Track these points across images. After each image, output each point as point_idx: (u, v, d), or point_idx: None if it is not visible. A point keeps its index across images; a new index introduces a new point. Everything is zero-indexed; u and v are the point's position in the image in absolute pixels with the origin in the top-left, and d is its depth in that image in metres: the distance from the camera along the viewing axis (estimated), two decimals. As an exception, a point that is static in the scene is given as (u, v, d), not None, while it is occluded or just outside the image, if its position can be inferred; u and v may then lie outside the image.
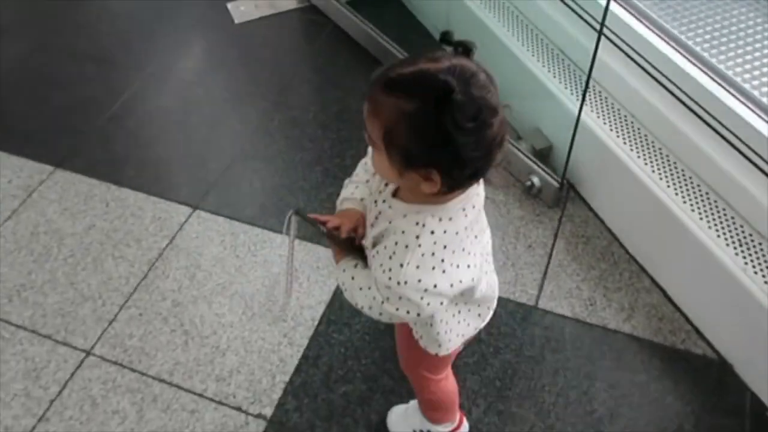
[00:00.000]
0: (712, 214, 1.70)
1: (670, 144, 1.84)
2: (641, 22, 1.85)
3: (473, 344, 1.73)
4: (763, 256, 1.60)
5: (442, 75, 0.85)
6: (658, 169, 1.81)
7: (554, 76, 2.08)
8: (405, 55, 2.50)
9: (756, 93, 1.66)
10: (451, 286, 1.01)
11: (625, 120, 1.93)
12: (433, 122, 0.84)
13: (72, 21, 2.84)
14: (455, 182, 0.92)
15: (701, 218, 1.69)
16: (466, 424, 1.57)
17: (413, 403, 1.56)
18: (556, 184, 2.00)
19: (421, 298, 1.00)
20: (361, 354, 1.74)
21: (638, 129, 1.91)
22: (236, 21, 2.78)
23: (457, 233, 0.98)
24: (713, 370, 1.70)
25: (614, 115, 1.95)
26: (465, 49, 0.90)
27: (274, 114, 2.39)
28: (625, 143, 1.88)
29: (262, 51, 2.68)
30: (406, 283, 0.98)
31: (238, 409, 1.64)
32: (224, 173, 2.19)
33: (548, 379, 1.68)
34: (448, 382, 1.42)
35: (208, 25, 2.80)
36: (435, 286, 0.99)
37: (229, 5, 2.85)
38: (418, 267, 0.97)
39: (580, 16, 1.77)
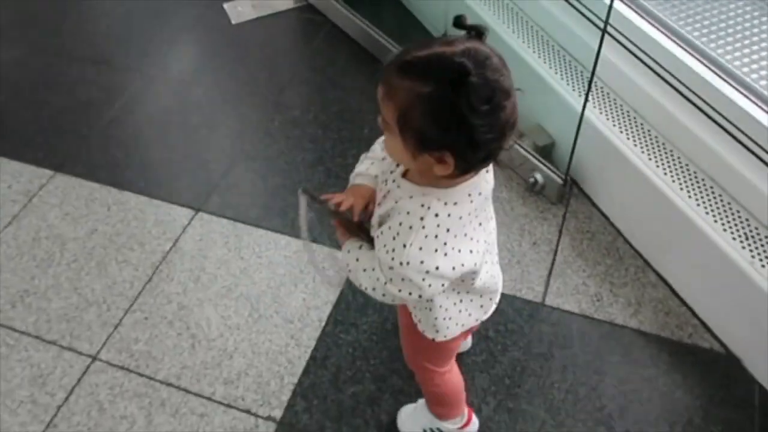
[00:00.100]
0: (718, 207, 1.70)
1: (673, 138, 1.84)
2: (643, 17, 1.85)
3: (473, 333, 1.73)
4: (770, 249, 1.61)
5: (457, 58, 0.86)
6: (663, 163, 1.81)
7: (555, 72, 2.08)
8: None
9: (760, 87, 1.65)
10: (453, 269, 1.02)
11: (628, 115, 1.94)
12: (448, 105, 0.85)
13: (68, 23, 2.82)
14: (468, 164, 0.94)
15: (707, 212, 1.70)
16: (475, 421, 1.57)
17: (421, 402, 1.56)
18: (559, 181, 2.00)
19: (423, 280, 1.00)
20: (369, 354, 1.73)
21: (641, 124, 1.91)
22: (233, 21, 2.77)
23: (460, 218, 0.99)
24: (721, 364, 1.70)
25: (617, 111, 1.95)
26: (478, 32, 0.91)
27: (274, 114, 2.38)
28: (628, 138, 1.88)
29: (260, 51, 2.67)
30: (408, 263, 0.99)
31: (248, 411, 1.64)
32: (226, 175, 2.18)
33: (557, 376, 1.68)
34: (452, 375, 1.42)
35: (206, 26, 2.79)
36: (437, 268, 0.99)
37: (226, 6, 2.84)
38: (420, 248, 0.98)
39: (584, 15, 1.77)
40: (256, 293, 1.86)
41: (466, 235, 1.02)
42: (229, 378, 1.70)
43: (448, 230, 0.99)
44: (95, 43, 2.72)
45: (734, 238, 1.64)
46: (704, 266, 1.73)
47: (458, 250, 1.01)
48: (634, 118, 1.93)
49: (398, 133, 0.92)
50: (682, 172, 1.79)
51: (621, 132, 1.90)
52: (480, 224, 1.05)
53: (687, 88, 1.67)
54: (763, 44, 1.80)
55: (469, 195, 1.00)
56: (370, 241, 1.12)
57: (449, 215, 0.98)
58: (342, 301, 1.84)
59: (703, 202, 1.72)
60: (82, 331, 1.80)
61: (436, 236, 0.98)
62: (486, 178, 1.04)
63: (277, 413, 1.63)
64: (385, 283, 1.04)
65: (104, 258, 1.96)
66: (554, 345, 1.74)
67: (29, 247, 1.99)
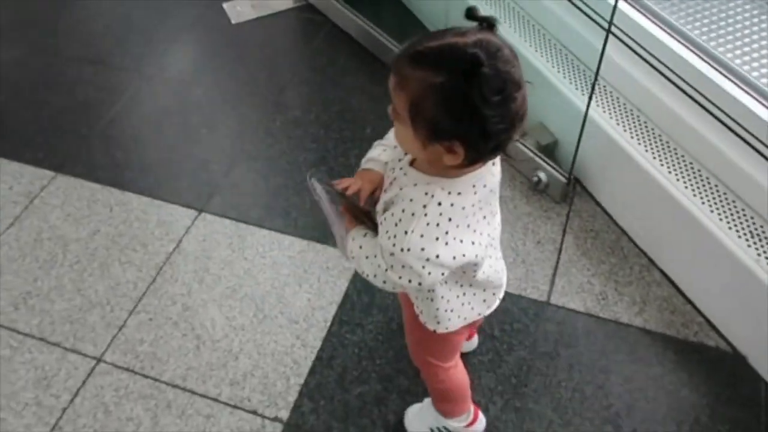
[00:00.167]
0: (723, 205, 1.70)
1: (677, 137, 1.84)
2: (646, 16, 1.85)
3: (478, 333, 1.73)
4: (775, 247, 1.61)
5: (470, 49, 0.87)
6: (667, 162, 1.81)
7: (558, 71, 2.08)
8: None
9: (763, 84, 1.66)
10: (454, 258, 1.02)
11: (631, 113, 1.94)
12: (460, 95, 0.86)
13: (67, 23, 2.81)
14: (478, 154, 0.94)
15: (711, 210, 1.70)
16: (482, 419, 1.57)
17: (427, 401, 1.56)
18: (563, 180, 2.00)
19: (423, 267, 1.01)
20: (375, 354, 1.73)
21: (645, 122, 1.91)
22: (233, 21, 2.76)
23: (463, 208, 1.00)
24: (727, 362, 1.70)
25: (620, 109, 1.95)
26: (489, 24, 0.92)
27: (276, 114, 2.37)
28: (632, 137, 1.88)
29: (260, 51, 2.66)
30: (409, 250, 0.99)
31: (254, 412, 1.63)
32: (228, 175, 2.18)
33: (564, 375, 1.68)
34: (457, 371, 1.42)
35: (205, 25, 2.78)
36: (437, 256, 1.00)
37: (225, 5, 2.83)
38: (422, 236, 0.99)
39: (588, 16, 1.77)
40: (261, 294, 1.86)
41: (468, 226, 1.03)
42: (235, 379, 1.69)
43: (450, 219, 0.99)
44: (94, 43, 2.70)
45: (739, 236, 1.65)
46: (709, 264, 1.73)
47: (460, 240, 1.02)
48: (638, 116, 1.93)
49: (409, 123, 0.93)
50: (687, 170, 1.79)
51: (624, 130, 1.90)
52: (484, 217, 1.06)
53: (690, 86, 1.67)
54: (765, 42, 1.80)
55: (474, 186, 1.01)
56: (376, 229, 1.12)
57: (452, 205, 0.99)
58: (347, 301, 1.83)
59: (708, 200, 1.72)
60: (86, 332, 1.79)
61: (438, 224, 0.99)
62: (492, 171, 1.05)
63: (284, 414, 1.63)
64: (386, 270, 1.05)
65: (107, 259, 1.95)
66: (560, 344, 1.74)
67: (31, 249, 1.98)
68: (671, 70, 1.70)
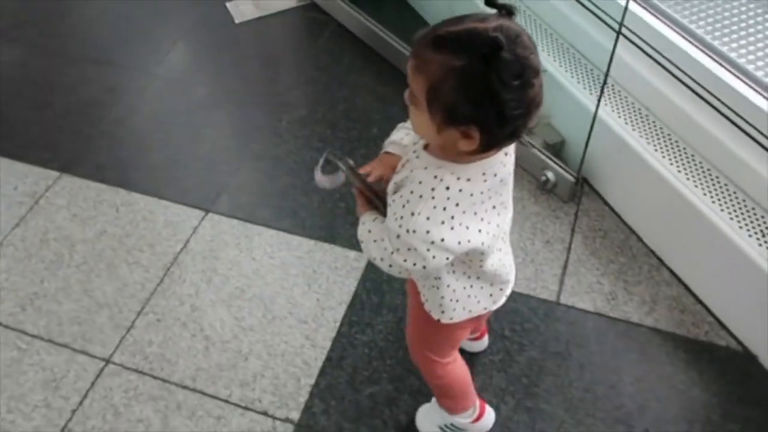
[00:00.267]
0: (733, 204, 1.70)
1: (686, 136, 1.84)
2: (656, 16, 1.85)
3: (489, 333, 1.73)
4: (787, 246, 1.61)
5: (491, 33, 0.87)
6: (676, 161, 1.81)
7: (565, 70, 2.08)
8: (410, 51, 2.49)
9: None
10: (459, 243, 1.03)
11: (639, 113, 1.94)
12: (480, 78, 0.87)
13: (69, 23, 2.80)
14: (493, 140, 0.95)
15: (722, 209, 1.70)
16: (489, 414, 1.56)
17: (434, 400, 1.56)
18: (571, 179, 1.99)
19: (428, 250, 1.02)
20: (386, 354, 1.72)
21: (653, 122, 1.91)
22: (237, 21, 2.75)
23: (471, 195, 1.01)
24: (738, 362, 1.70)
25: (628, 108, 1.95)
26: (509, 11, 0.93)
27: (282, 114, 2.36)
28: (641, 136, 1.88)
29: (264, 50, 2.65)
30: (414, 232, 1.00)
31: (265, 413, 1.63)
32: (234, 175, 2.17)
33: (575, 375, 1.68)
34: (455, 366, 1.42)
35: (209, 25, 2.77)
36: (442, 240, 1.01)
37: (229, 5, 2.82)
38: (428, 218, 0.99)
39: (599, 17, 1.77)
40: (270, 294, 1.85)
41: (476, 214, 1.03)
42: (245, 380, 1.68)
43: (457, 204, 1.00)
44: (97, 43, 2.69)
45: (750, 235, 1.65)
46: (720, 264, 1.73)
47: (466, 226, 1.02)
48: (646, 115, 1.93)
49: (426, 107, 0.94)
50: (697, 169, 1.79)
51: (633, 129, 1.90)
52: (494, 207, 1.06)
53: (700, 85, 1.67)
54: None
55: (483, 174, 1.01)
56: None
57: (460, 190, 0.99)
58: (356, 301, 1.83)
59: (718, 199, 1.72)
60: (94, 333, 1.78)
61: (445, 208, 0.99)
62: (503, 161, 1.04)
63: (295, 415, 1.62)
64: (392, 253, 1.05)
65: (114, 260, 1.94)
66: (571, 344, 1.74)
67: (37, 249, 1.97)
68: (681, 70, 1.70)
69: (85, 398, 1.66)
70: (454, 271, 1.16)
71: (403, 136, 1.20)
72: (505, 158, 1.05)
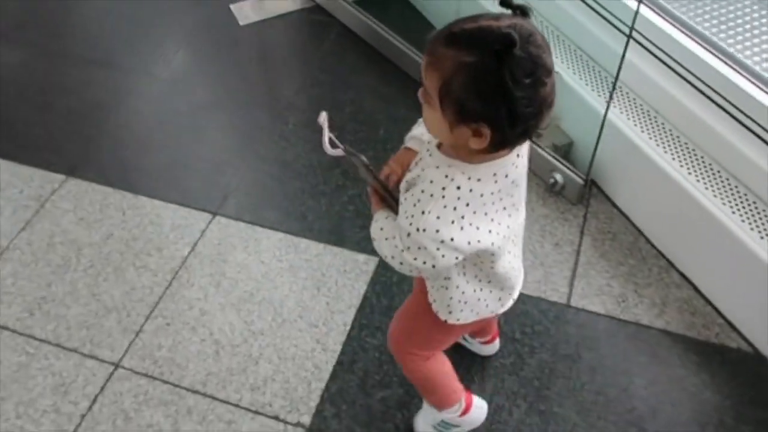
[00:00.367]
0: (744, 206, 1.70)
1: (696, 138, 1.84)
2: (665, 19, 1.85)
3: (500, 336, 1.72)
4: (798, 248, 1.61)
5: (504, 30, 0.88)
6: (686, 163, 1.81)
7: (573, 72, 2.08)
8: (417, 53, 2.51)
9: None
10: (468, 243, 1.03)
11: (649, 115, 1.93)
12: (492, 74, 0.88)
13: (72, 24, 2.79)
14: (504, 139, 0.95)
15: (733, 212, 1.70)
16: (479, 408, 1.53)
17: (425, 401, 1.56)
18: (580, 181, 1.99)
19: (437, 249, 1.02)
20: (397, 358, 1.72)
21: (662, 124, 1.91)
22: (241, 23, 2.74)
23: (482, 195, 1.01)
24: (749, 364, 1.70)
25: (637, 110, 1.95)
26: (523, 12, 0.94)
27: (288, 116, 2.36)
28: (650, 138, 1.88)
29: (269, 53, 2.65)
30: (424, 230, 1.01)
31: (276, 418, 1.62)
32: (242, 177, 2.16)
33: (586, 377, 1.68)
34: (436, 360, 1.42)
35: (213, 27, 2.76)
36: (452, 239, 1.01)
37: (233, 7, 2.81)
38: (438, 217, 1.00)
39: (609, 21, 1.76)
40: (279, 297, 1.84)
41: (486, 214, 1.04)
42: (256, 384, 1.67)
43: (467, 204, 1.00)
44: (101, 45, 2.68)
45: (762, 237, 1.64)
46: (730, 266, 1.73)
47: (476, 227, 1.03)
48: (655, 117, 1.92)
49: (438, 105, 0.94)
50: (707, 171, 1.79)
51: (642, 132, 1.90)
52: (504, 208, 1.06)
53: (710, 88, 1.67)
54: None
55: (495, 175, 1.01)
56: None
57: (471, 190, 1.00)
58: (366, 304, 1.82)
59: (729, 201, 1.72)
60: (103, 338, 1.77)
61: (455, 208, 1.00)
62: (515, 162, 1.04)
63: (306, 419, 1.61)
64: (402, 251, 1.06)
65: (122, 263, 1.93)
66: (581, 346, 1.74)
67: (44, 253, 1.96)
68: (691, 72, 1.70)
69: (95, 403, 1.65)
70: (464, 273, 1.16)
71: (423, 131, 1.19)
72: (517, 159, 1.05)
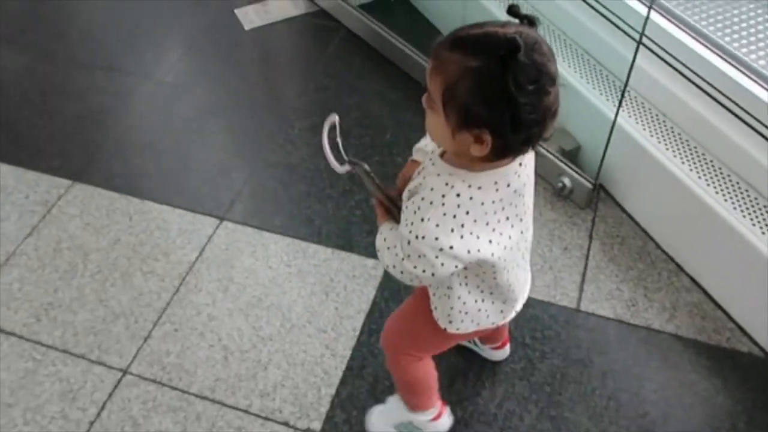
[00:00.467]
0: (754, 210, 1.70)
1: (706, 141, 1.83)
2: (674, 23, 1.84)
3: (510, 341, 1.71)
4: (810, 252, 1.61)
5: (509, 35, 0.88)
6: (696, 167, 1.80)
7: (580, 76, 2.08)
8: (422, 57, 2.50)
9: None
10: (468, 252, 1.03)
11: (657, 118, 1.93)
12: (496, 79, 0.87)
13: (76, 29, 2.79)
14: (507, 147, 0.95)
15: (744, 216, 1.69)
16: (448, 416, 1.55)
17: (391, 399, 1.56)
18: (588, 185, 1.98)
19: (436, 257, 1.02)
20: (406, 363, 1.70)
21: (671, 127, 1.90)
22: (246, 27, 2.74)
23: (483, 204, 1.01)
24: (760, 368, 1.69)
25: (645, 114, 1.95)
26: (530, 21, 0.94)
27: (294, 121, 2.35)
28: (659, 142, 1.87)
29: (274, 57, 2.64)
30: (423, 238, 1.01)
31: (286, 424, 1.61)
32: (248, 182, 2.15)
33: (597, 383, 1.67)
34: (425, 363, 1.42)
35: (218, 31, 2.75)
36: (451, 247, 1.01)
37: (237, 11, 2.81)
38: (437, 225, 0.99)
39: (619, 28, 1.76)
40: (287, 303, 1.83)
41: (488, 224, 1.03)
42: (265, 390, 1.66)
43: (467, 213, 1.00)
44: (105, 50, 2.68)
45: (773, 242, 1.64)
46: (741, 270, 1.72)
47: (477, 236, 1.02)
48: (664, 121, 1.92)
49: (441, 109, 0.94)
50: (716, 174, 1.78)
51: (651, 135, 1.89)
52: (507, 218, 1.06)
53: (719, 91, 1.66)
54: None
55: (496, 183, 1.01)
56: None
57: (471, 198, 0.99)
58: (375, 309, 1.81)
59: (739, 205, 1.71)
60: (110, 344, 1.76)
61: (455, 216, 0.99)
62: (518, 171, 1.03)
63: (316, 425, 1.60)
64: (403, 259, 1.06)
65: (129, 269, 1.92)
66: (592, 351, 1.73)
67: (51, 259, 1.95)
68: (700, 77, 1.70)
69: (103, 410, 1.64)
70: (466, 284, 1.16)
71: (428, 142, 1.20)
72: (520, 169, 1.04)
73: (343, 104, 2.40)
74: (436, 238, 1.00)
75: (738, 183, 1.76)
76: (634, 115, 1.94)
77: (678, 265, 1.89)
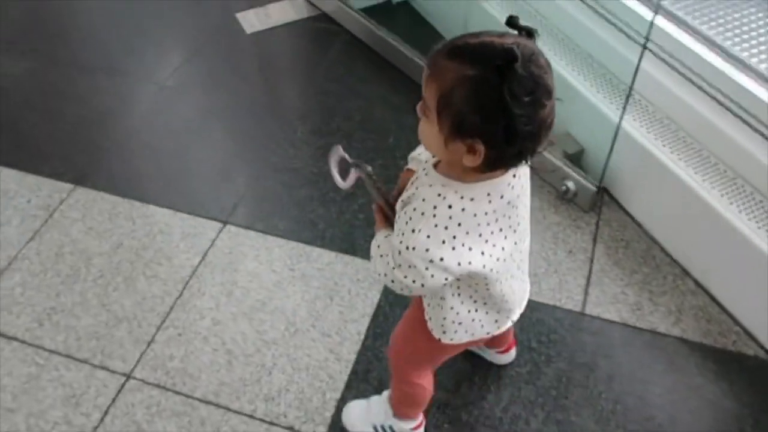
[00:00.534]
0: (760, 213, 1.70)
1: (711, 145, 1.83)
2: (677, 26, 1.85)
3: (516, 345, 1.71)
4: (816, 255, 1.60)
5: (507, 45, 0.87)
6: (701, 170, 1.80)
7: (584, 79, 2.07)
8: (425, 61, 2.49)
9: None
10: (459, 264, 1.02)
11: (661, 122, 1.93)
12: (492, 89, 0.86)
13: (78, 32, 2.79)
14: (499, 158, 0.94)
15: (749, 219, 1.69)
16: (423, 427, 1.56)
17: (375, 398, 1.56)
18: (592, 189, 1.98)
19: (426, 269, 1.01)
20: (412, 367, 1.70)
21: (676, 131, 1.90)
22: (248, 31, 2.74)
23: (475, 215, 1.00)
24: (767, 371, 1.69)
25: (650, 118, 1.95)
26: (529, 33, 0.93)
27: (297, 125, 2.34)
28: (664, 145, 1.87)
29: (277, 61, 2.64)
30: (414, 248, 1.00)
31: (291, 428, 1.60)
32: (251, 186, 2.15)
33: (603, 386, 1.66)
34: (428, 379, 1.43)
35: (220, 35, 2.75)
36: (441, 259, 1.00)
37: (239, 15, 2.80)
38: (428, 236, 0.99)
39: (624, 32, 1.76)
40: (291, 307, 1.82)
41: (480, 235, 1.02)
42: (270, 394, 1.66)
43: (459, 224, 0.99)
44: (107, 53, 2.67)
45: (779, 244, 1.64)
46: (746, 273, 1.72)
47: (468, 248, 1.01)
48: (668, 124, 1.92)
49: (435, 117, 0.93)
50: (721, 178, 1.78)
51: (655, 139, 1.89)
52: (501, 230, 1.04)
53: (724, 95, 1.66)
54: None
55: (488, 195, 1.00)
56: None
57: (463, 209, 0.99)
58: (380, 313, 1.80)
59: (744, 208, 1.71)
60: (114, 348, 1.75)
61: (446, 227, 0.99)
62: (511, 182, 1.03)
63: (322, 430, 1.59)
64: (393, 268, 1.05)
65: (132, 273, 1.91)
66: (598, 355, 1.72)
67: (53, 263, 1.94)
68: (705, 81, 1.70)
69: (107, 415, 1.63)
70: (459, 294, 1.15)
71: (422, 151, 1.19)
72: (513, 180, 1.03)
73: (346, 108, 2.40)
74: (427, 249, 1.00)
75: (743, 186, 1.75)
76: (639, 118, 1.94)
77: (683, 269, 1.89)
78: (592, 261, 1.92)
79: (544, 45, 2.18)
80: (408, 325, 1.36)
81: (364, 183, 1.17)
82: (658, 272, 1.89)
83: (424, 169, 1.07)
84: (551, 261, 1.91)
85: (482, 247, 1.03)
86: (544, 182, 2.10)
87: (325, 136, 2.29)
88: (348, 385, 1.67)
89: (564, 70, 2.09)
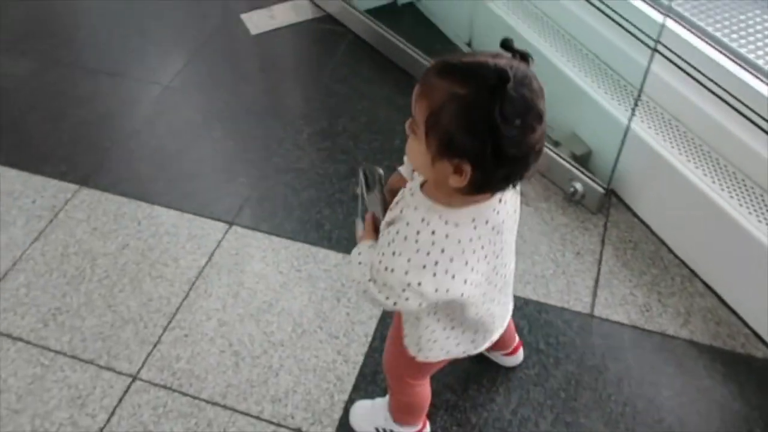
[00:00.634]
0: (769, 215, 1.69)
1: (720, 147, 1.82)
2: (686, 28, 1.84)
3: (524, 347, 1.70)
4: (827, 256, 1.60)
5: (500, 66, 0.86)
6: (710, 172, 1.80)
7: (592, 81, 2.07)
8: (430, 62, 2.48)
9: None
10: (436, 291, 1.00)
11: (670, 124, 1.92)
12: (482, 109, 0.84)
13: (81, 34, 2.78)
14: (485, 181, 0.92)
15: (759, 221, 1.68)
16: (427, 430, 1.56)
17: (379, 400, 1.56)
18: (600, 190, 1.97)
19: (403, 291, 1.00)
20: (420, 369, 1.69)
21: (684, 133, 1.89)
22: (252, 32, 2.73)
23: (459, 242, 0.98)
24: (777, 374, 1.69)
25: (658, 119, 1.94)
26: (523, 56, 0.92)
27: (303, 126, 2.34)
28: (672, 147, 1.86)
29: (282, 62, 2.63)
30: (393, 271, 0.99)
31: (298, 430, 1.59)
32: (257, 187, 2.14)
33: (613, 389, 1.65)
34: (424, 389, 1.42)
35: (224, 36, 2.75)
36: (419, 284, 0.99)
37: (244, 16, 2.80)
38: (409, 260, 0.98)
39: (634, 35, 1.76)
40: (298, 308, 1.82)
41: (467, 263, 1.00)
42: (277, 396, 1.65)
43: (443, 251, 0.97)
44: (111, 55, 2.67)
45: (789, 246, 1.63)
46: (755, 275, 1.71)
47: (452, 275, 0.99)
48: (677, 126, 1.91)
49: (423, 135, 0.91)
50: (730, 179, 1.77)
51: (664, 140, 1.88)
52: (485, 256, 1.03)
53: (733, 96, 1.66)
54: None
55: (474, 220, 0.99)
56: None
57: (447, 236, 0.97)
58: (387, 315, 1.79)
59: (754, 210, 1.70)
60: (120, 349, 1.74)
61: (428, 253, 0.97)
62: (497, 207, 1.02)
63: (330, 431, 1.58)
64: (369, 280, 1.05)
65: (137, 274, 1.90)
66: (607, 357, 1.71)
67: (58, 264, 1.93)
68: (714, 82, 1.69)
69: (113, 416, 1.62)
70: (435, 313, 1.14)
71: (408, 167, 1.20)
72: (499, 205, 1.02)
73: (352, 109, 2.39)
74: (406, 273, 0.98)
75: (753, 188, 1.75)
76: (647, 120, 1.94)
77: (691, 270, 1.88)
78: (600, 263, 1.91)
79: (551, 46, 2.19)
80: (391, 341, 1.35)
81: (361, 192, 1.16)
82: (667, 274, 1.88)
83: (410, 190, 1.05)
84: (559, 263, 1.90)
85: (465, 273, 1.01)
86: (551, 184, 2.09)
87: (331, 138, 2.28)
88: (356, 387, 1.66)
89: (571, 72, 2.09)
